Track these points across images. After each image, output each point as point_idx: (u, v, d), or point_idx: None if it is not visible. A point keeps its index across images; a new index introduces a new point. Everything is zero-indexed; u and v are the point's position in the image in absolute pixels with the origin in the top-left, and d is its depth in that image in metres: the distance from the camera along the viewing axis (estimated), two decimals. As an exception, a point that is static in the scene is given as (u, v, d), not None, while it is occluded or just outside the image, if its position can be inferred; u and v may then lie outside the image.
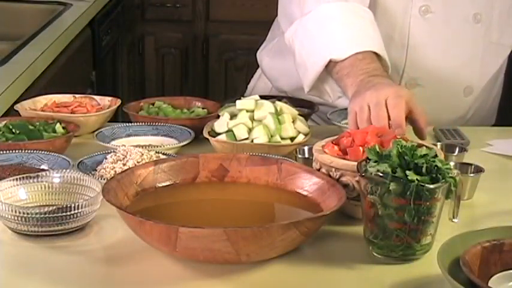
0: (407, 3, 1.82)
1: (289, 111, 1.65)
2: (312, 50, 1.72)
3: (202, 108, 1.82)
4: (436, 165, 1.19)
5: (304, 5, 1.77)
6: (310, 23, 1.74)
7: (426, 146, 1.27)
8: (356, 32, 1.69)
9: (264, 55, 2.08)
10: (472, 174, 1.47)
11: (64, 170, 1.40)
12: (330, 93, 1.77)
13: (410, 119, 1.51)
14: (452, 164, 1.47)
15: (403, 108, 1.48)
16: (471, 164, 1.49)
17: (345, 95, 1.67)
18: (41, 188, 1.37)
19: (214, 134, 1.63)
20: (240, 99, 1.66)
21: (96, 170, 1.48)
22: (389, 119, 1.46)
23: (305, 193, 1.35)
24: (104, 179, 1.38)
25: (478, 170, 1.47)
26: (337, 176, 1.33)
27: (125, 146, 1.53)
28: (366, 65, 1.61)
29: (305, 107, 1.84)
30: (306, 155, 1.53)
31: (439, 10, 1.84)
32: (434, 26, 1.83)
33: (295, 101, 1.80)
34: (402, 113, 1.47)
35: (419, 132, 1.53)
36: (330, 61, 1.66)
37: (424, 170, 1.19)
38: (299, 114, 1.67)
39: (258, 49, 2.12)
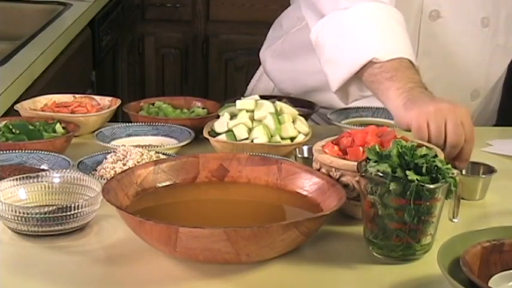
0: (418, 8, 1.81)
1: (289, 111, 1.65)
2: (348, 48, 1.64)
3: (202, 108, 1.82)
4: (436, 165, 1.19)
5: (339, 0, 1.69)
6: (346, 20, 1.66)
7: (426, 146, 1.27)
8: (396, 36, 1.63)
9: (267, 55, 2.05)
10: (483, 175, 1.47)
11: (64, 170, 1.40)
12: (352, 96, 1.71)
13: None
14: None
15: (463, 134, 1.44)
16: (483, 164, 1.49)
17: (376, 97, 1.60)
18: (41, 188, 1.37)
19: (214, 134, 1.63)
20: (240, 99, 1.66)
21: (96, 170, 1.48)
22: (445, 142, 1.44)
23: (305, 193, 1.35)
24: (104, 179, 1.38)
25: (490, 170, 1.48)
26: (337, 176, 1.33)
27: (125, 146, 1.52)
28: (413, 75, 1.55)
29: (305, 107, 1.84)
30: (306, 155, 1.53)
31: (448, 15, 1.82)
32: (443, 31, 1.82)
33: (295, 101, 1.80)
34: (461, 139, 1.44)
35: (460, 160, 1.47)
36: (369, 61, 1.59)
37: (424, 170, 1.19)
38: (299, 114, 1.67)
39: (258, 49, 2.10)
